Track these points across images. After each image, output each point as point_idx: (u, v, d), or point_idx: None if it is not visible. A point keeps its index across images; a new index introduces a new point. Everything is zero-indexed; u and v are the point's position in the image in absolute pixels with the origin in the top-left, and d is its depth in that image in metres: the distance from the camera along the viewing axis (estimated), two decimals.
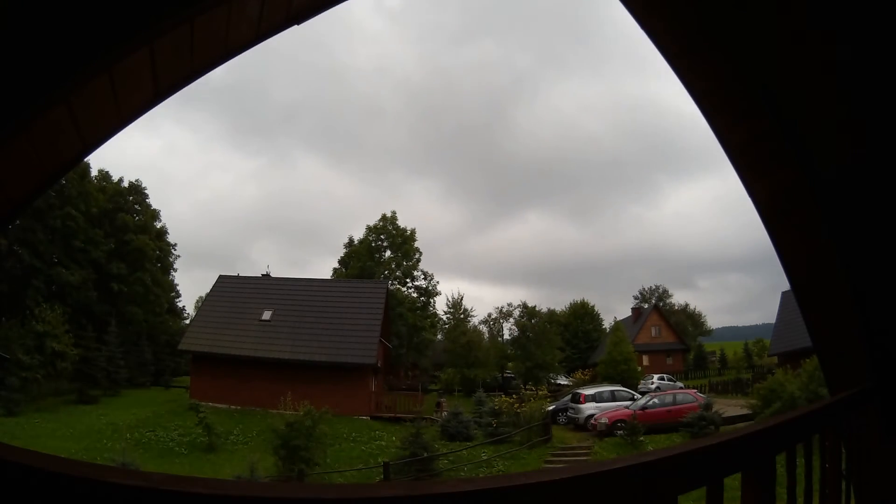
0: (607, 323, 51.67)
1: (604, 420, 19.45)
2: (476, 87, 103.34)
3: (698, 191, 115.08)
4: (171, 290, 44.00)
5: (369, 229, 46.71)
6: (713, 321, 65.50)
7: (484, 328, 40.32)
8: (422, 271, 46.67)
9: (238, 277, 32.96)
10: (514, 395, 24.11)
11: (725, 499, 1.33)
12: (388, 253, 46.25)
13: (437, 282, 47.29)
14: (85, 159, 2.46)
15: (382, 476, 14.53)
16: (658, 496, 1.17)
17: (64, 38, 1.34)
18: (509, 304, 41.35)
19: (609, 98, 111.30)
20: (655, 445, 16.40)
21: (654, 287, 65.72)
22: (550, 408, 22.42)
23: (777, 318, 31.86)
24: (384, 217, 46.82)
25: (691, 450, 1.30)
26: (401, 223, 46.42)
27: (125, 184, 40.40)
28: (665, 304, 59.38)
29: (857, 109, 2.10)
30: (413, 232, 46.76)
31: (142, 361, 35.02)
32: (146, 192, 41.40)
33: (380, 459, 16.56)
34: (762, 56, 2.15)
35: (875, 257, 2.37)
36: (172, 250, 43.98)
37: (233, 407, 23.46)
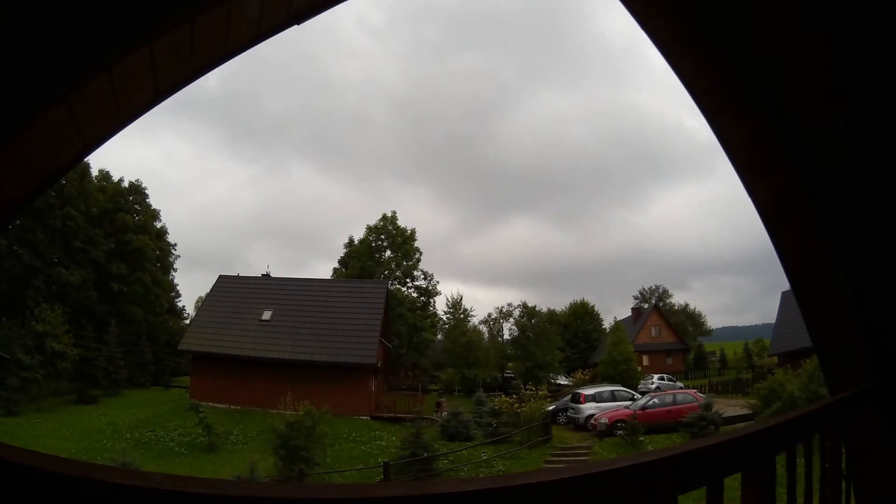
0: (607, 323, 51.76)
1: (604, 420, 19.45)
2: (461, 97, 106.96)
3: (683, 196, 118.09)
4: (171, 290, 44.00)
5: (369, 229, 46.73)
6: (710, 322, 65.75)
7: (484, 328, 40.39)
8: (422, 271, 46.73)
9: (238, 277, 32.96)
10: (514, 395, 24.11)
11: (725, 499, 1.33)
12: (388, 253, 46.25)
13: (437, 282, 47.36)
14: (85, 159, 2.46)
15: (382, 476, 14.53)
16: (658, 496, 1.17)
17: (64, 38, 1.34)
18: (509, 304, 41.42)
19: (590, 108, 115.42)
20: (655, 445, 16.40)
21: (653, 287, 65.81)
22: (550, 408, 22.43)
23: (777, 318, 31.87)
24: (384, 217, 46.85)
25: (691, 450, 1.30)
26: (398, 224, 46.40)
27: (125, 184, 40.42)
28: (665, 304, 59.38)
29: (857, 110, 2.10)
30: (413, 232, 46.80)
31: (142, 361, 35.01)
32: (146, 192, 41.46)
33: (380, 459, 16.57)
34: (762, 56, 2.15)
35: (875, 257, 2.37)
36: (172, 250, 44.00)
37: (233, 407, 23.46)
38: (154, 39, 1.51)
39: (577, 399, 22.75)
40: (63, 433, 20.01)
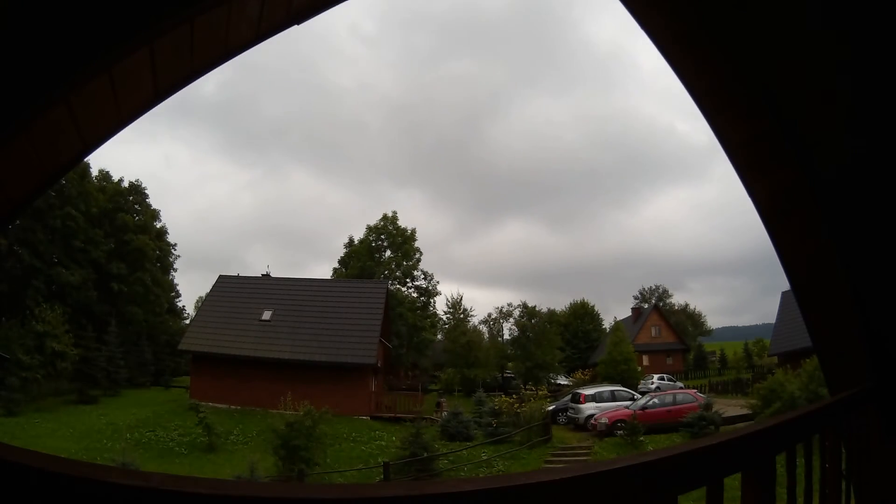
0: (607, 323, 51.76)
1: (604, 420, 19.45)
2: (454, 103, 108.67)
3: (676, 199, 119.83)
4: (171, 290, 44.00)
5: (369, 229, 46.71)
6: (709, 322, 65.92)
7: (484, 328, 40.37)
8: (422, 271, 46.68)
9: (238, 277, 32.97)
10: (514, 395, 24.11)
11: (725, 499, 1.33)
12: (388, 253, 46.23)
13: (437, 282, 47.33)
14: (85, 159, 2.46)
15: (382, 476, 14.53)
16: (658, 496, 1.17)
17: (64, 38, 1.34)
18: (509, 305, 41.41)
19: (581, 112, 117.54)
20: (655, 445, 16.40)
21: (653, 287, 65.78)
22: (550, 408, 22.42)
23: (777, 318, 31.87)
24: (384, 217, 46.81)
25: (691, 450, 1.30)
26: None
27: (125, 184, 40.42)
28: (665, 305, 59.37)
29: (857, 110, 2.10)
30: (413, 232, 46.77)
31: (142, 361, 35.01)
32: (146, 192, 41.46)
33: (380, 459, 16.57)
34: (762, 56, 2.15)
35: (875, 257, 2.37)
36: (172, 250, 44.00)
37: (233, 407, 23.46)
38: (154, 39, 1.51)
39: (577, 399, 22.75)
40: (63, 433, 20.01)
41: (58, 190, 32.46)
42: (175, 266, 44.57)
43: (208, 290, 31.94)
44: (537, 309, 38.27)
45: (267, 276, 33.81)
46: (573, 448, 18.14)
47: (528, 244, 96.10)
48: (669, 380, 33.77)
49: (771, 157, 2.40)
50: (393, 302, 37.88)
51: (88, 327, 30.49)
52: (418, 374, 40.00)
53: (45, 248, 33.27)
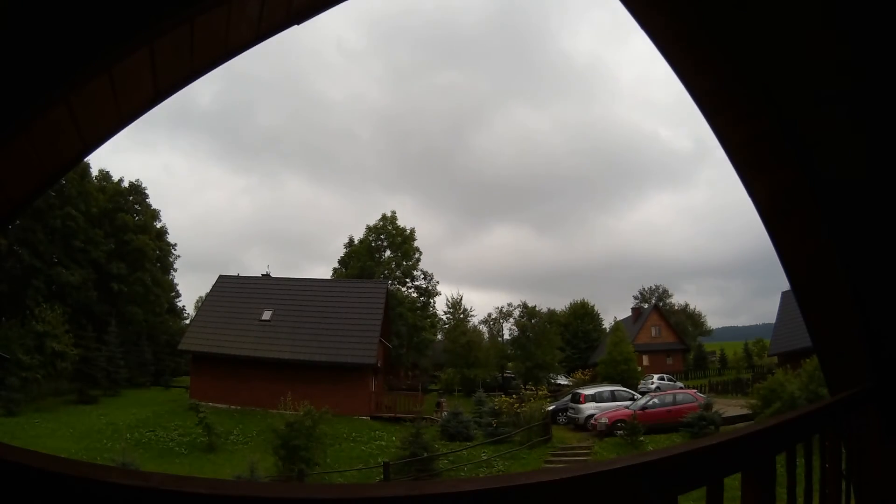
0: (607, 323, 51.78)
1: (604, 420, 19.45)
2: (440, 113, 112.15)
3: (664, 204, 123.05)
4: (171, 290, 44.00)
5: (369, 229, 46.70)
6: (709, 322, 66.16)
7: (484, 328, 40.37)
8: (422, 271, 46.69)
9: (238, 277, 32.97)
10: (514, 395, 24.11)
11: (725, 499, 1.33)
12: (387, 253, 46.23)
13: (437, 282, 47.33)
14: (85, 159, 2.45)
15: (382, 476, 14.53)
16: (658, 496, 1.17)
17: (64, 38, 1.34)
18: (509, 305, 41.41)
19: (567, 122, 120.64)
20: (655, 445, 16.40)
21: (653, 287, 65.77)
22: (550, 408, 22.42)
23: (777, 318, 31.87)
24: (384, 217, 46.81)
25: (691, 450, 1.30)
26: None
27: (125, 184, 40.42)
28: (665, 305, 59.37)
29: (857, 109, 2.10)
30: (413, 232, 46.77)
31: (142, 361, 35.01)
32: (146, 192, 41.46)
33: (380, 459, 16.57)
34: (762, 56, 2.15)
35: (875, 257, 2.37)
36: (172, 250, 44.00)
37: (233, 407, 23.46)
38: (154, 39, 1.51)
39: (577, 399, 22.75)
40: (63, 433, 20.01)
41: (58, 190, 32.46)
42: (175, 266, 44.63)
43: (208, 291, 31.96)
44: (537, 309, 38.29)
45: (267, 276, 33.80)
46: (573, 448, 18.14)
47: (518, 248, 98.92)
48: (669, 380, 33.76)
49: (771, 157, 2.40)
50: (393, 302, 37.89)
51: (88, 327, 30.49)
52: (418, 374, 40.00)
53: (45, 248, 33.27)
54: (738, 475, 1.48)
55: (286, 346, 25.71)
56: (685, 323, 56.98)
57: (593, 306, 53.85)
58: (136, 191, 40.91)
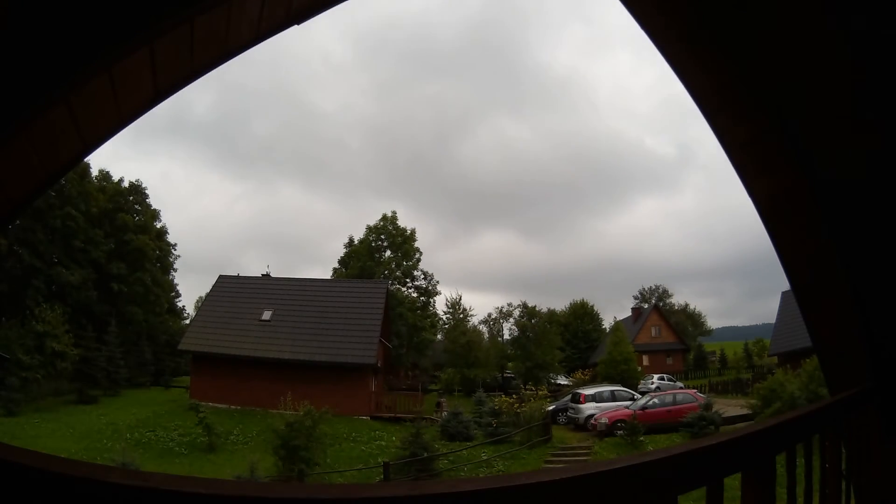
0: (607, 323, 51.79)
1: (604, 420, 19.45)
2: (427, 122, 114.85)
3: (652, 208, 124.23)
4: (171, 290, 44.00)
5: (369, 229, 46.68)
6: (708, 322, 66.45)
7: (484, 328, 40.35)
8: (422, 271, 46.66)
9: (238, 277, 32.96)
10: (514, 395, 24.11)
11: (725, 499, 1.33)
12: (388, 253, 46.22)
13: (437, 282, 47.32)
14: (85, 159, 2.46)
15: (382, 476, 14.53)
16: (658, 496, 1.17)
17: (64, 38, 1.34)
18: (509, 305, 41.38)
19: (552, 131, 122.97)
20: (655, 445, 16.40)
21: (653, 287, 65.75)
22: (550, 408, 22.42)
23: (777, 318, 31.88)
24: (384, 217, 46.78)
25: (691, 450, 1.30)
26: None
27: (125, 184, 40.42)
28: (665, 305, 59.37)
29: (857, 109, 2.10)
30: (413, 232, 46.74)
31: (142, 361, 35.00)
32: (146, 192, 41.46)
33: (380, 459, 16.57)
34: (763, 56, 2.15)
35: (875, 258, 2.37)
36: (172, 250, 44.00)
37: (233, 407, 23.46)
38: (154, 39, 1.51)
39: (577, 399, 22.75)
40: (63, 433, 20.01)
41: (58, 190, 32.46)
42: (175, 266, 44.63)
43: (208, 291, 31.96)
44: (537, 309, 38.29)
45: (267, 276, 33.79)
46: (573, 448, 18.14)
47: (509, 251, 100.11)
48: (669, 380, 33.76)
49: (771, 157, 2.40)
50: (393, 302, 37.88)
51: (88, 327, 30.48)
52: (418, 374, 39.98)
53: (45, 248, 33.27)
54: (738, 475, 1.48)
55: (286, 346, 25.71)
56: (685, 323, 56.98)
57: (593, 306, 53.93)
58: (136, 191, 40.90)
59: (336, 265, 48.19)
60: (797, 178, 2.33)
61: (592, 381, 30.86)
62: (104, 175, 39.52)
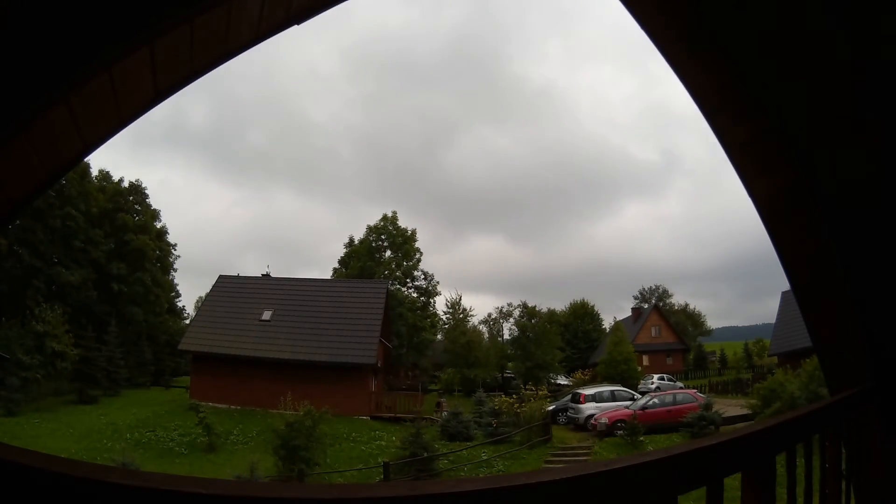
0: (607, 323, 51.79)
1: (604, 420, 19.45)
2: (416, 132, 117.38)
3: (640, 213, 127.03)
4: (171, 290, 44.00)
5: (369, 229, 46.70)
6: (708, 322, 66.68)
7: (484, 328, 40.35)
8: (422, 271, 46.69)
9: (238, 277, 32.95)
10: (514, 395, 24.11)
11: (725, 499, 1.33)
12: (388, 253, 46.22)
13: (437, 282, 47.32)
14: (85, 159, 2.45)
15: (382, 476, 14.53)
16: (658, 496, 1.17)
17: (64, 38, 1.34)
18: (509, 304, 41.37)
19: (535, 140, 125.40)
20: (655, 445, 16.41)
21: (653, 287, 65.75)
22: (550, 408, 22.42)
23: (777, 318, 31.88)
24: (384, 217, 46.81)
25: (691, 450, 1.30)
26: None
27: (125, 184, 40.43)
28: (665, 305, 59.37)
29: (857, 109, 2.10)
30: (414, 232, 46.76)
31: (142, 361, 35.01)
32: (146, 191, 41.46)
33: (380, 459, 16.57)
34: (763, 56, 2.15)
35: (875, 257, 2.37)
36: (172, 250, 44.00)
37: (233, 407, 23.46)
38: (154, 39, 1.51)
39: (577, 399, 22.75)
40: (63, 433, 20.01)
41: (58, 190, 32.47)
42: (175, 266, 44.63)
43: (208, 291, 31.96)
44: (537, 309, 38.28)
45: (267, 276, 33.78)
46: (573, 448, 18.14)
47: (499, 255, 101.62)
48: (669, 380, 33.76)
49: (771, 157, 2.40)
50: (393, 302, 37.88)
51: (88, 327, 30.47)
52: (418, 374, 39.96)
53: (45, 248, 33.27)
54: (738, 475, 1.48)
55: (286, 346, 25.71)
56: (685, 323, 56.98)
57: (593, 306, 53.93)
58: (136, 191, 40.91)
59: (333, 267, 48.30)
60: (797, 178, 2.32)
61: (592, 381, 30.87)
62: (104, 175, 39.56)
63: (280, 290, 30.16)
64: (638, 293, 65.40)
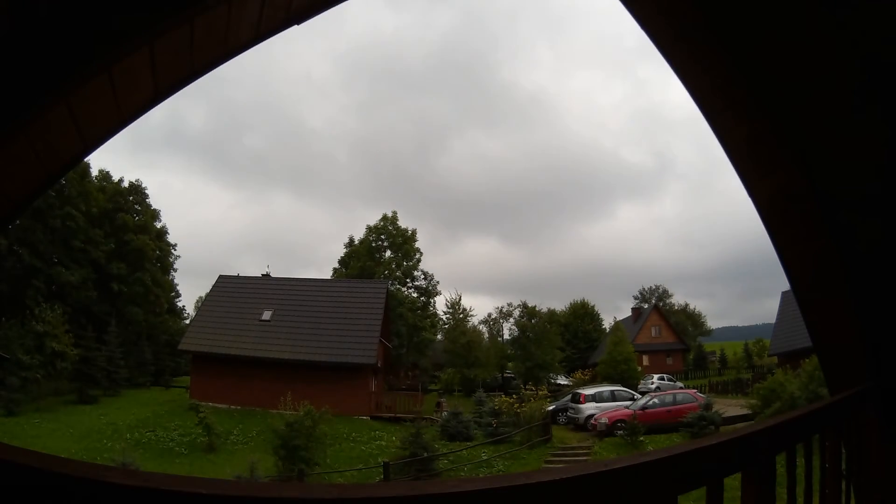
0: (607, 323, 51.80)
1: (604, 420, 19.45)
2: (411, 137, 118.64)
3: (635, 215, 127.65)
4: (171, 290, 44.00)
5: (369, 229, 46.70)
6: (708, 322, 66.83)
7: (484, 328, 40.34)
8: (422, 271, 46.70)
9: (238, 277, 32.95)
10: (514, 395, 24.11)
11: (725, 499, 1.33)
12: (388, 253, 46.22)
13: (438, 282, 47.32)
14: (85, 159, 2.45)
15: (382, 476, 14.53)
16: (658, 496, 1.17)
17: (64, 38, 1.34)
18: (509, 304, 41.38)
19: (529, 144, 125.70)
20: (655, 445, 16.40)
21: (653, 287, 65.76)
22: (550, 408, 22.42)
23: (777, 318, 31.89)
24: (384, 217, 46.80)
25: (691, 450, 1.30)
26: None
27: (125, 184, 40.43)
28: (665, 305, 59.37)
29: (858, 109, 2.10)
30: (414, 232, 46.77)
31: (142, 361, 35.00)
32: (146, 191, 41.45)
33: (380, 459, 16.57)
34: (763, 56, 2.15)
35: (875, 257, 2.37)
36: (172, 250, 43.99)
37: (233, 407, 23.46)
38: (154, 39, 1.51)
39: (577, 399, 22.75)
40: (63, 433, 20.01)
41: (58, 190, 32.46)
42: (175, 266, 44.63)
43: (208, 291, 31.96)
44: (537, 309, 38.28)
45: (267, 276, 33.77)
46: (573, 448, 18.14)
47: (494, 257, 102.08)
48: (669, 380, 33.76)
49: (771, 157, 2.40)
50: (393, 302, 37.88)
51: (88, 327, 30.47)
52: (418, 374, 39.97)
53: (45, 248, 33.27)
54: (738, 475, 1.48)
55: (286, 346, 25.71)
56: (685, 323, 57.00)
57: (594, 306, 53.92)
58: (136, 191, 40.91)
59: (331, 268, 48.36)
60: (797, 178, 2.32)
61: (592, 381, 30.86)
62: (104, 175, 39.55)
63: (280, 290, 30.16)
64: (638, 293, 65.50)
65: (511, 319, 39.40)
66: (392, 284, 41.45)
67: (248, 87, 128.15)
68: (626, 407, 20.43)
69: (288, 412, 16.23)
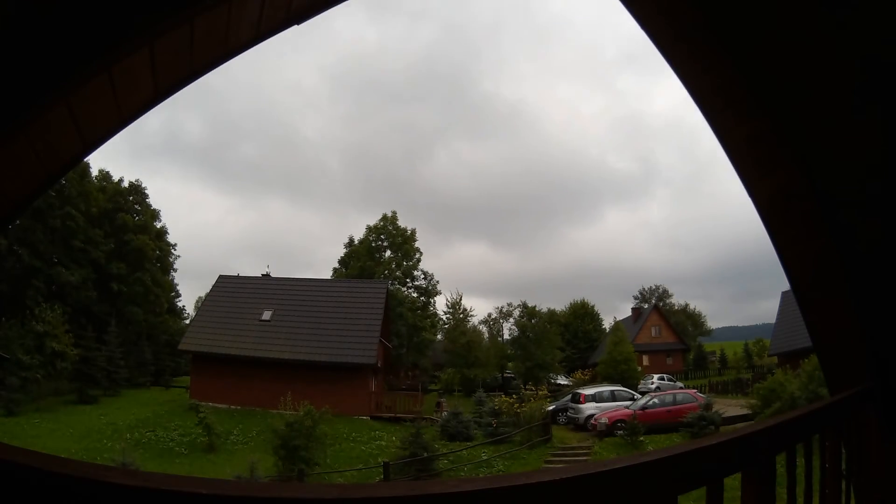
0: (607, 323, 51.80)
1: (604, 420, 19.45)
2: (400, 145, 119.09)
3: (625, 219, 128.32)
4: (171, 290, 44.00)
5: (369, 229, 46.69)
6: (708, 322, 66.96)
7: (484, 328, 40.34)
8: (422, 271, 46.69)
9: (238, 277, 32.94)
10: (514, 395, 24.12)
11: (725, 499, 1.33)
12: (388, 253, 46.22)
13: (437, 281, 47.32)
14: (85, 159, 2.46)
15: (382, 476, 14.53)
16: (658, 496, 1.17)
17: (64, 38, 1.34)
18: (509, 304, 41.34)
19: (517, 152, 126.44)
20: (655, 445, 16.41)
21: (653, 287, 65.77)
22: (550, 408, 22.43)
23: (777, 318, 31.89)
24: (384, 217, 46.80)
25: (691, 450, 1.30)
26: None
27: (125, 184, 40.43)
28: (665, 305, 59.37)
29: (858, 109, 2.10)
30: (413, 232, 46.75)
31: (142, 361, 34.99)
32: (146, 191, 41.45)
33: (380, 459, 16.56)
34: (762, 56, 2.15)
35: (875, 257, 2.37)
36: (172, 250, 43.99)
37: (233, 407, 23.46)
38: (154, 39, 1.51)
39: (577, 399, 22.75)
40: (63, 433, 20.01)
41: (58, 190, 32.46)
42: (175, 266, 44.62)
43: (208, 291, 31.95)
44: (537, 309, 38.28)
45: (267, 276, 33.77)
46: (573, 448, 18.14)
47: (486, 261, 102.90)
48: (669, 380, 33.77)
49: (771, 157, 2.40)
50: (393, 302, 37.86)
51: (88, 327, 30.47)
52: (418, 374, 39.98)
53: (45, 248, 33.27)
54: (738, 475, 1.48)
55: (286, 346, 25.71)
56: (685, 323, 57.01)
57: (593, 306, 53.93)
58: (136, 191, 40.91)
59: (333, 267, 48.29)
60: (797, 178, 2.32)
61: (592, 381, 30.87)
62: (104, 175, 39.56)
63: (280, 290, 30.16)
64: (638, 293, 65.51)
65: (511, 319, 39.45)
66: (392, 284, 41.43)
67: (241, 97, 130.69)
68: (626, 407, 20.43)
69: (288, 412, 16.23)
